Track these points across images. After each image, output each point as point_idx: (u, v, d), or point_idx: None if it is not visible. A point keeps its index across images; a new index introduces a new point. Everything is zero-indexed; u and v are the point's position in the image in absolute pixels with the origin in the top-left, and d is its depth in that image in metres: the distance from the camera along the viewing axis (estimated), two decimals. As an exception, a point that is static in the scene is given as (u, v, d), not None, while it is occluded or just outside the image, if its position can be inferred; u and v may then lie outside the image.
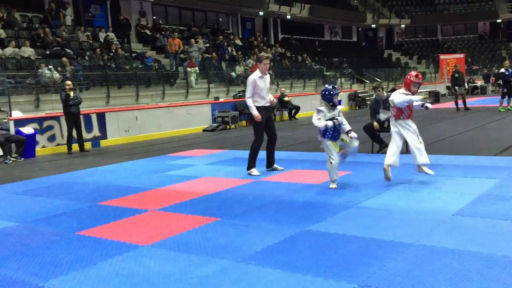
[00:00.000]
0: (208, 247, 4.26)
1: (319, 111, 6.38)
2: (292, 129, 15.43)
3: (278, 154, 9.82)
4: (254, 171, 7.63)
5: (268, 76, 7.77)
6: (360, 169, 7.63)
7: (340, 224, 4.73)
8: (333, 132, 6.31)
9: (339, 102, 22.09)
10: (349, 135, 6.37)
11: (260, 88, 7.57)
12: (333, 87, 6.51)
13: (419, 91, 6.60)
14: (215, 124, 16.83)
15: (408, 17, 41.07)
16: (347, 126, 6.42)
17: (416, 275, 3.38)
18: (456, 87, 18.50)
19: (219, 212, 5.47)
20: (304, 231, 4.56)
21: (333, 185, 6.38)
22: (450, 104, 20.61)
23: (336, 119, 6.31)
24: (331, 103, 6.38)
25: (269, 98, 7.70)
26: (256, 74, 7.63)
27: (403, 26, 41.64)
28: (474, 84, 31.66)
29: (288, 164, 8.41)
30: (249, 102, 7.58)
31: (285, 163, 8.52)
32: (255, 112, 7.55)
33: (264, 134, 7.80)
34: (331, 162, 6.33)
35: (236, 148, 11.31)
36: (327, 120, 6.27)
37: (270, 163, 7.96)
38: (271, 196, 6.08)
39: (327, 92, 6.40)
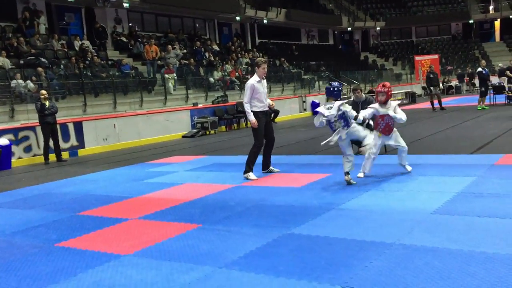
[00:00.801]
0: (191, 254, 4.23)
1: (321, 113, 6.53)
2: (271, 133, 15.44)
3: (258, 159, 9.83)
4: (251, 175, 7.62)
5: (265, 81, 7.83)
6: (340, 171, 7.66)
7: (321, 226, 4.75)
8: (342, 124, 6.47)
9: (317, 104, 22.04)
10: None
11: (259, 92, 7.61)
12: (340, 83, 6.67)
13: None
14: (195, 130, 16.78)
15: (382, 19, 41.67)
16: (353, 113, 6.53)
17: (398, 275, 3.41)
18: (431, 88, 18.83)
19: (200, 218, 5.45)
20: (286, 234, 4.57)
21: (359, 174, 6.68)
22: (426, 105, 20.94)
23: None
24: (338, 99, 6.51)
25: (267, 102, 7.77)
26: (254, 78, 7.67)
27: (378, 28, 42.21)
28: (449, 84, 32.25)
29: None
30: (247, 107, 7.60)
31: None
32: (251, 118, 7.58)
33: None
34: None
35: (216, 154, 11.29)
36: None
37: (266, 166, 8.04)
38: (253, 201, 6.07)
39: (336, 89, 6.55)
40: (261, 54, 29.32)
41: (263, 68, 7.65)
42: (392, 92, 6.87)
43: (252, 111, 7.60)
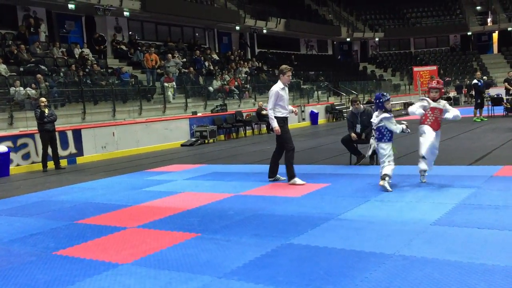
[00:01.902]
0: (189, 263, 4.21)
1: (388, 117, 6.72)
2: (270, 142, 15.44)
3: (257, 168, 9.85)
4: (298, 180, 7.59)
5: (287, 88, 7.90)
6: (339, 181, 7.68)
7: (321, 236, 4.74)
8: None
9: (317, 115, 22.11)
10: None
11: (283, 99, 7.69)
12: (382, 94, 6.86)
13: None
14: (193, 139, 16.78)
15: (381, 30, 41.89)
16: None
17: (397, 286, 3.40)
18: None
19: (199, 227, 5.43)
20: (286, 244, 4.56)
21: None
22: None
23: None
24: (383, 110, 6.70)
25: (289, 108, 7.87)
26: (279, 85, 7.74)
27: (377, 39, 42.43)
28: (447, 96, 32.35)
29: (267, 177, 8.41)
30: (271, 113, 7.68)
31: (265, 176, 8.53)
32: (275, 125, 7.67)
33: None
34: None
35: (215, 163, 11.28)
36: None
37: (273, 173, 8.04)
38: (252, 210, 6.06)
39: (377, 100, 6.77)
40: (260, 63, 29.43)
41: (288, 75, 7.73)
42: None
43: (275, 116, 7.67)
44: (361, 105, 9.49)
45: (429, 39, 43.90)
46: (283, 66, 7.93)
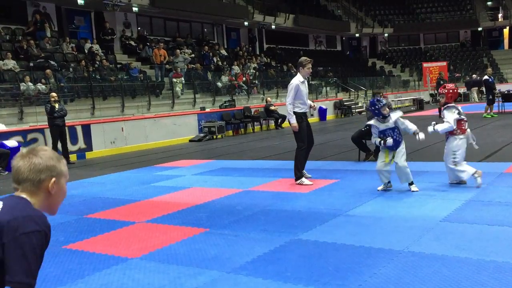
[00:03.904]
0: (198, 258, 4.23)
1: (371, 125, 6.48)
2: (279, 138, 15.46)
3: (265, 163, 9.85)
4: (305, 180, 7.26)
5: (306, 81, 7.54)
6: (348, 177, 7.66)
7: (329, 232, 4.73)
8: (390, 146, 6.27)
9: (325, 111, 21.92)
10: (417, 137, 6.25)
11: (302, 93, 7.31)
12: (377, 100, 6.37)
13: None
14: (202, 134, 16.80)
15: (391, 26, 41.61)
16: (412, 128, 6.29)
17: (406, 282, 3.39)
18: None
19: (207, 222, 5.44)
20: (294, 240, 4.56)
21: (380, 187, 6.46)
22: (434, 112, 20.85)
23: (390, 130, 6.27)
24: (380, 116, 6.31)
25: (309, 103, 7.48)
26: (298, 78, 7.33)
27: (386, 35, 42.16)
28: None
29: (276, 173, 8.42)
30: (290, 108, 7.25)
31: (273, 172, 8.54)
32: (293, 121, 7.25)
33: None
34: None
35: (223, 158, 11.29)
36: (381, 131, 6.34)
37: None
38: (260, 206, 6.06)
39: (373, 108, 6.32)
40: (269, 59, 29.37)
41: (308, 68, 7.31)
42: (454, 93, 6.56)
43: (294, 112, 7.29)
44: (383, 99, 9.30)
45: (439, 35, 43.55)
46: (303, 58, 7.53)
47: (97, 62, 18.37)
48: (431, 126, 6.50)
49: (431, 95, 29.39)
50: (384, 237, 4.44)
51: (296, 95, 7.29)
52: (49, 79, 15.35)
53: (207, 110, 18.45)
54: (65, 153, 12.36)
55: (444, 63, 34.06)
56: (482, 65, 37.84)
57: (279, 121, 19.96)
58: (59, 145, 12.22)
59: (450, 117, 6.26)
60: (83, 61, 17.77)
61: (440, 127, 6.36)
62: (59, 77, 15.94)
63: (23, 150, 2.00)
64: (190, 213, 5.96)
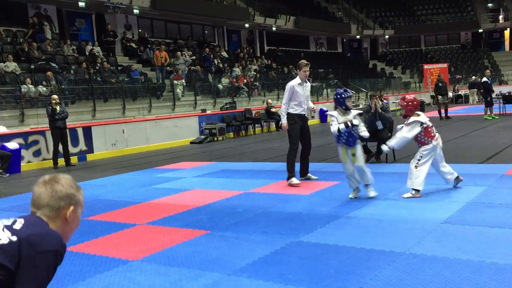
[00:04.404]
0: (199, 260, 4.22)
1: (330, 115, 6.29)
2: (279, 140, 15.45)
3: (266, 165, 9.85)
4: (294, 180, 7.41)
5: (308, 84, 7.70)
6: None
7: (330, 234, 4.73)
8: (348, 138, 6.08)
9: (325, 112, 21.82)
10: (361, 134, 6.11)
11: (298, 95, 7.48)
12: (344, 90, 6.30)
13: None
14: (203, 136, 16.81)
15: (391, 28, 41.64)
16: (363, 131, 6.18)
17: (407, 284, 3.38)
18: (440, 96, 18.76)
19: (208, 224, 5.44)
20: (295, 242, 4.55)
21: (351, 195, 6.24)
22: (434, 113, 20.84)
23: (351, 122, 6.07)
24: (343, 107, 6.18)
25: (308, 106, 7.62)
26: (296, 80, 7.59)
27: (387, 36, 42.20)
28: (458, 93, 32.11)
29: (277, 175, 8.41)
30: (283, 108, 7.49)
31: (274, 174, 8.54)
32: (283, 121, 7.54)
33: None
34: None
35: (224, 160, 11.29)
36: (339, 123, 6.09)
37: (303, 172, 7.81)
38: (261, 208, 6.06)
39: (339, 96, 6.20)
40: (269, 61, 29.40)
41: (304, 70, 7.48)
42: (414, 106, 6.22)
43: (289, 112, 7.49)
44: (379, 101, 9.28)
45: (440, 37, 43.58)
46: (300, 61, 7.74)
47: (98, 64, 18.40)
48: (385, 146, 6.26)
49: (432, 97, 29.37)
50: (385, 239, 4.44)
51: (292, 97, 7.50)
52: (50, 81, 15.37)
53: (208, 112, 18.46)
54: (66, 155, 12.38)
55: (445, 65, 34.03)
56: (483, 67, 37.82)
57: (280, 123, 19.94)
58: (60, 147, 12.23)
59: (409, 132, 6.05)
60: (84, 63, 17.79)
61: (395, 143, 6.18)
62: (60, 79, 15.97)
63: (46, 176, 2.05)
64: (191, 215, 5.96)
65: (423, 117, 6.18)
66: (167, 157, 12.94)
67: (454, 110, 22.25)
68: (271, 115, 19.79)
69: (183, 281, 3.77)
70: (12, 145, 11.76)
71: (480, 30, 41.15)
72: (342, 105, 6.19)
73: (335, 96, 6.31)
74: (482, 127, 14.52)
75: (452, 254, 3.92)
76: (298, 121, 7.55)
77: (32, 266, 1.83)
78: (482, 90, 29.28)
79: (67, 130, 12.58)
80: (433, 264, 3.74)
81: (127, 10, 21.51)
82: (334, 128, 6.12)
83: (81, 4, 19.61)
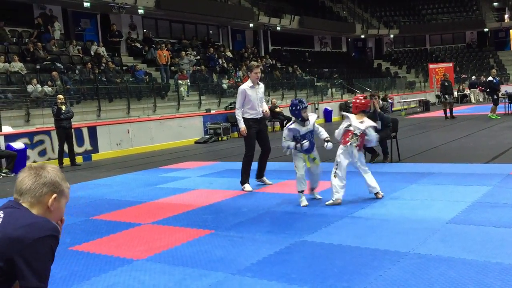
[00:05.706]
0: (203, 260, 4.23)
1: (289, 129, 6.19)
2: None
3: (270, 165, 9.82)
4: (247, 186, 7.30)
5: (261, 86, 7.42)
6: (353, 178, 7.62)
7: (335, 234, 4.73)
8: (306, 149, 6.10)
9: (331, 112, 21.86)
10: (325, 145, 6.13)
11: (251, 98, 7.22)
12: (299, 101, 6.17)
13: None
14: (207, 136, 16.82)
15: (396, 27, 41.51)
16: (323, 134, 6.20)
17: (412, 284, 3.38)
18: (446, 96, 18.71)
19: (213, 224, 5.45)
20: (299, 242, 4.55)
21: (302, 201, 6.05)
22: (439, 113, 20.78)
23: (307, 135, 6.08)
24: (299, 118, 6.12)
25: (261, 109, 7.34)
26: (247, 84, 7.33)
27: (392, 36, 42.05)
28: (463, 93, 31.98)
29: (281, 174, 8.42)
30: (237, 113, 7.29)
31: (278, 173, 8.53)
32: (241, 125, 7.26)
33: (257, 146, 7.56)
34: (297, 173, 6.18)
35: (229, 160, 11.30)
36: (302, 135, 6.09)
37: (259, 175, 7.71)
38: (265, 207, 6.07)
39: (294, 107, 6.09)
40: (274, 60, 29.39)
41: (255, 72, 7.21)
42: (358, 104, 6.30)
43: (243, 117, 7.25)
44: (379, 101, 9.28)
45: (445, 36, 43.39)
46: (251, 63, 7.54)
47: (103, 64, 18.45)
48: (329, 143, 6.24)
49: (437, 96, 29.28)
50: (390, 239, 4.43)
51: (245, 101, 7.25)
52: (56, 81, 15.43)
53: (213, 112, 18.48)
54: (72, 155, 12.42)
55: (450, 64, 33.91)
56: (489, 66, 37.64)
57: (285, 122, 19.93)
58: (66, 147, 12.28)
59: (341, 126, 6.21)
60: (89, 63, 17.85)
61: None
62: (66, 79, 16.02)
63: (33, 164, 2.03)
64: (196, 215, 5.97)
65: (354, 120, 6.18)
66: (172, 156, 12.97)
67: (459, 110, 22.16)
68: (275, 115, 19.77)
69: (187, 280, 3.78)
70: (18, 145, 11.81)
71: (486, 29, 40.93)
72: (298, 117, 6.12)
73: (290, 108, 6.21)
74: (487, 126, 14.46)
75: (457, 254, 3.91)
76: (253, 126, 7.29)
77: (28, 255, 1.79)
78: (484, 89, 29.25)
79: (72, 130, 12.62)
80: (438, 264, 3.73)
81: (132, 10, 21.55)
82: (284, 144, 6.20)
83: (86, 4, 19.66)
